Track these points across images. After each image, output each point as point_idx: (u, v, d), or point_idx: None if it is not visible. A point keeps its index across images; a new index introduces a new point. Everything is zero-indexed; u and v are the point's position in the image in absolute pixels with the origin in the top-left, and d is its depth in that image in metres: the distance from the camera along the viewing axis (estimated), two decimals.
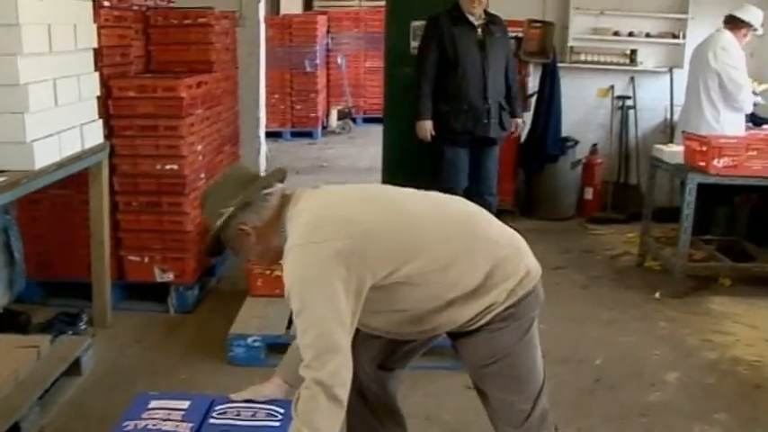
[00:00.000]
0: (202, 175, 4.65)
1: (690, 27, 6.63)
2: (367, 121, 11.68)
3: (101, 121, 4.01)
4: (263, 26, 6.87)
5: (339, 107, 11.61)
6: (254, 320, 3.99)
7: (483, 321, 2.13)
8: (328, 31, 11.71)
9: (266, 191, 2.14)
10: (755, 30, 5.52)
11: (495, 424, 2.31)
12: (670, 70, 6.76)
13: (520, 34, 6.52)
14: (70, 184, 4.09)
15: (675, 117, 6.51)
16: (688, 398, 3.65)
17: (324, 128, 11.27)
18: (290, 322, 3.97)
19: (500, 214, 3.50)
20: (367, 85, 11.99)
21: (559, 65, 6.62)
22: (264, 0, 6.83)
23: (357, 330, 2.06)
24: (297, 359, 2.06)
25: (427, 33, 5.39)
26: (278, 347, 3.87)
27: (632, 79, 6.87)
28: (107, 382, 3.63)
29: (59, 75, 3.49)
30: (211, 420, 2.34)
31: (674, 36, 6.75)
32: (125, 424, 2.30)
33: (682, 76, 6.36)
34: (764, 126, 5.79)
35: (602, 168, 6.85)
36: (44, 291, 4.48)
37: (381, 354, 2.40)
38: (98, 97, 3.97)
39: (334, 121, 11.41)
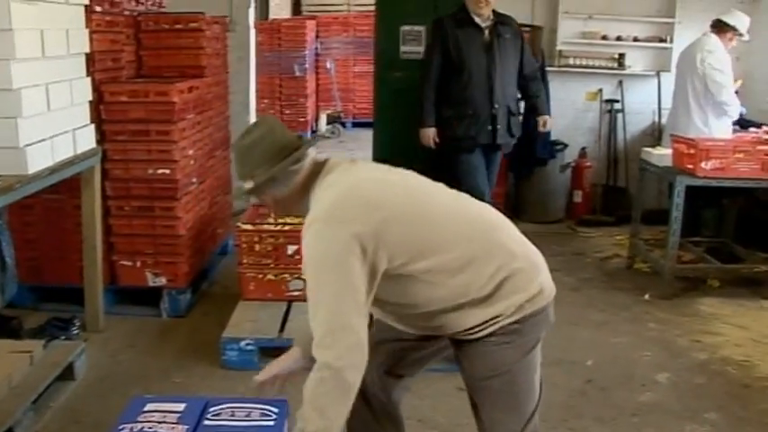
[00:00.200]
0: (194, 180, 4.66)
1: (677, 31, 6.69)
2: (356, 125, 11.70)
3: (93, 126, 4.01)
4: (252, 31, 6.88)
5: (328, 112, 11.63)
6: (247, 324, 3.99)
7: (487, 332, 2.09)
8: (317, 36, 11.74)
9: (295, 166, 2.11)
10: (741, 35, 5.58)
11: None
12: (658, 74, 6.82)
13: None
14: (62, 189, 4.08)
15: (663, 120, 6.58)
16: (678, 398, 3.68)
17: (313, 132, 11.29)
18: (283, 325, 4.00)
19: None
20: (356, 90, 12.02)
21: (548, 69, 6.64)
22: (254, 5, 6.83)
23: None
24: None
25: (432, 37, 5.26)
26: (271, 351, 3.88)
27: (620, 83, 6.93)
28: (100, 386, 3.63)
29: (52, 80, 3.50)
30: (206, 422, 2.36)
31: (662, 40, 6.80)
32: (121, 427, 2.31)
33: (669, 79, 6.41)
34: (751, 129, 5.83)
35: (591, 171, 6.89)
36: (36, 296, 4.47)
37: (390, 359, 2.37)
38: (90, 102, 3.98)
39: (323, 125, 11.42)
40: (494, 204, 2.42)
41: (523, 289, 2.10)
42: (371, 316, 2.18)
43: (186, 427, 2.32)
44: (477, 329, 2.09)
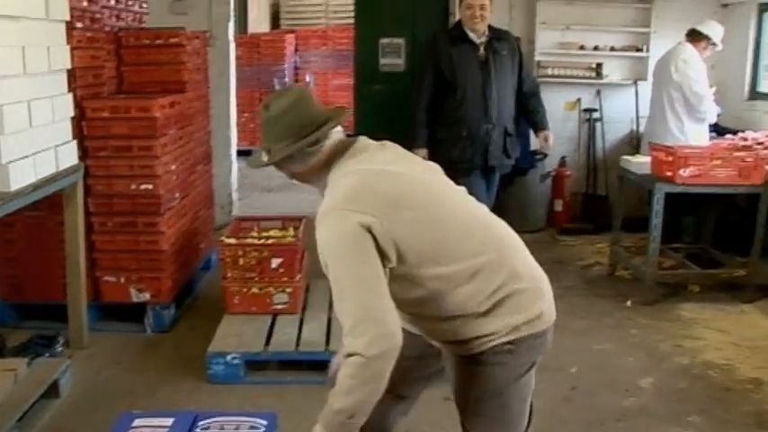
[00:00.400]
0: (177, 195, 4.66)
1: (653, 40, 6.78)
2: None
3: (75, 142, 4.00)
4: (232, 45, 6.90)
5: None
6: (233, 338, 3.99)
7: (480, 349, 2.05)
8: (296, 50, 11.75)
9: (313, 147, 2.06)
10: (715, 45, 5.67)
11: None
12: (635, 82, 6.90)
13: None
14: (44, 206, 4.06)
15: (641, 128, 6.65)
16: (662, 402, 3.72)
17: None
18: (269, 339, 4.00)
19: None
20: (336, 103, 12.02)
21: None
22: (233, 19, 6.84)
23: None
24: None
25: (425, 55, 5.04)
26: (257, 364, 3.90)
27: (598, 92, 7.00)
28: (86, 404, 3.61)
29: (34, 96, 3.49)
30: None
31: (638, 49, 6.89)
32: None
33: (646, 88, 6.49)
34: (727, 135, 5.92)
35: (571, 180, 6.96)
36: (18, 313, 4.44)
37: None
38: (72, 118, 3.98)
39: None
40: None
41: (523, 310, 2.06)
42: None
43: None
44: (470, 343, 2.05)
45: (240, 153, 7.59)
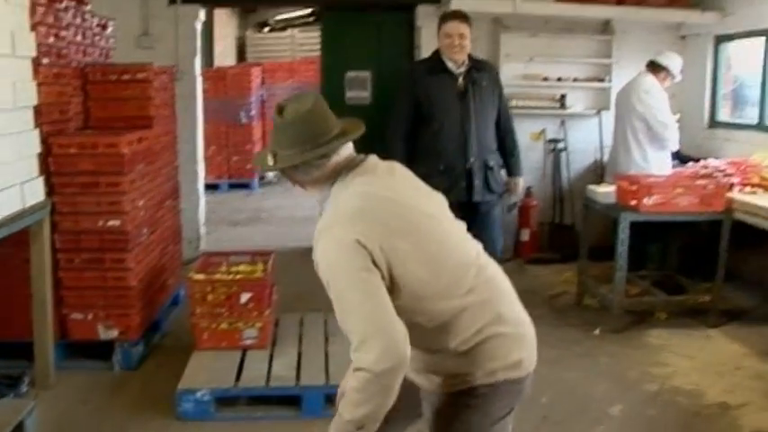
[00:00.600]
0: (144, 231, 4.62)
1: (614, 71, 6.91)
2: None
3: (41, 179, 3.98)
4: (199, 79, 6.90)
5: None
6: (202, 374, 3.96)
7: (456, 389, 2.05)
8: (263, 83, 11.78)
9: (320, 161, 2.05)
10: (674, 77, 5.79)
11: None
12: (598, 112, 7.02)
13: None
14: (10, 243, 3.98)
15: (605, 157, 6.75)
16: (632, 430, 3.76)
17: (261, 179, 11.28)
18: (239, 374, 3.97)
19: None
20: None
21: None
22: (199, 53, 6.85)
23: None
24: None
25: (401, 86, 4.88)
26: (227, 401, 3.87)
27: (563, 122, 7.10)
28: None
29: None
30: None
31: (600, 80, 7.01)
32: None
33: (609, 117, 6.61)
34: (689, 163, 6.03)
35: (537, 210, 7.02)
36: None
37: None
38: (38, 154, 3.95)
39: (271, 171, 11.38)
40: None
41: (501, 356, 2.05)
42: None
43: None
44: (447, 379, 2.05)
45: (207, 187, 7.58)
